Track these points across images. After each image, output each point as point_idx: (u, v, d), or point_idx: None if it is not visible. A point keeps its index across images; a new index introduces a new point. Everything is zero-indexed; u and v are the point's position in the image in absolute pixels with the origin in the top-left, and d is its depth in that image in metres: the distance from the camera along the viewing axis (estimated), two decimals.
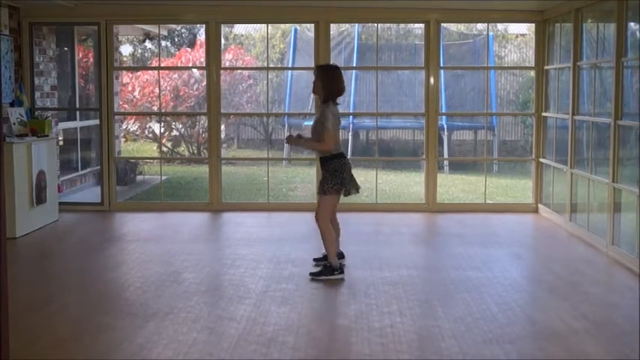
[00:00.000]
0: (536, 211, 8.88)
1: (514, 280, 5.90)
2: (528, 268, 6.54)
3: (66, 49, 10.45)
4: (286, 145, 16.05)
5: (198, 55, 15.74)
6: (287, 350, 4.23)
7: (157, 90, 14.25)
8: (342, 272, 5.79)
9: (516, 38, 19.07)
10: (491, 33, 15.64)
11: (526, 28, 18.22)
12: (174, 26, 18.28)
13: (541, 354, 4.26)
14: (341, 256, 6.11)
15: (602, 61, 7.11)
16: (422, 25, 9.16)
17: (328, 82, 5.81)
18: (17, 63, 8.42)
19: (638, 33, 6.46)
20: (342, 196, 5.93)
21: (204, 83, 14.82)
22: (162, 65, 14.15)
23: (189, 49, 16.90)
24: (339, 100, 5.94)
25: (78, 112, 10.59)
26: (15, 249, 6.84)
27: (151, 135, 16.46)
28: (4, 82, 7.89)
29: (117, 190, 9.27)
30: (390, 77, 16.72)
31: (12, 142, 7.18)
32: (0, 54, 7.86)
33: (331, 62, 6.01)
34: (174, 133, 16.01)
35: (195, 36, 18.98)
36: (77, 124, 10.51)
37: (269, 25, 11.08)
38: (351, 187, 5.87)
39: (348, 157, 15.20)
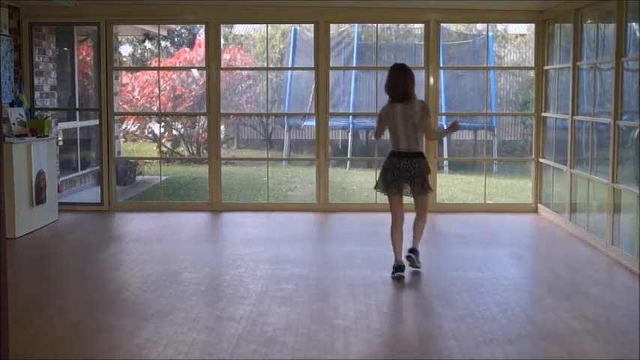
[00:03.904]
0: (535, 211, 8.88)
1: (514, 280, 5.89)
2: (528, 268, 6.54)
3: (66, 49, 10.44)
4: (286, 146, 16.07)
5: (196, 54, 15.75)
6: (287, 350, 4.22)
7: (156, 90, 14.25)
8: (397, 270, 5.77)
9: (516, 38, 19.07)
10: (490, 33, 15.63)
11: (526, 28, 18.21)
12: (173, 26, 18.28)
13: (541, 354, 4.26)
14: (399, 269, 5.85)
15: (601, 62, 7.10)
16: (422, 25, 9.16)
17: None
18: (17, 63, 8.42)
19: (637, 33, 6.46)
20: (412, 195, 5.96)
21: (202, 82, 14.87)
22: (161, 65, 14.13)
23: (187, 49, 16.90)
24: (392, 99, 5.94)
25: (78, 112, 10.59)
26: (15, 249, 6.84)
27: (150, 135, 16.47)
28: (4, 82, 7.88)
29: (117, 190, 9.26)
30: None
31: (12, 142, 7.18)
32: (0, 54, 7.86)
33: (399, 62, 6.09)
34: (174, 133, 16.01)
35: (194, 36, 18.99)
36: (77, 124, 10.51)
37: (269, 25, 11.09)
38: (387, 186, 5.87)
39: (348, 156, 15.25)
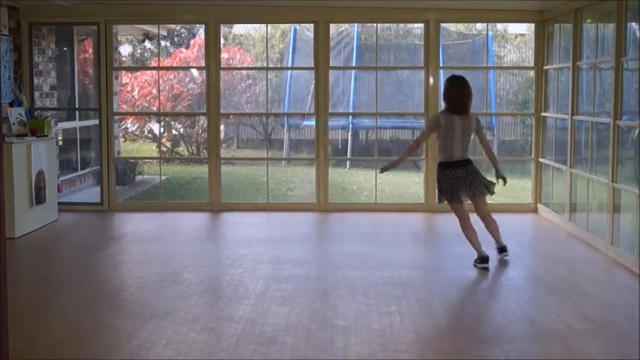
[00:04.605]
0: (535, 211, 8.88)
1: (514, 280, 5.89)
2: (528, 268, 6.53)
3: (65, 49, 10.44)
4: (285, 145, 16.08)
5: (191, 53, 15.74)
6: (286, 350, 4.22)
7: (155, 90, 14.24)
8: (483, 261, 6.08)
9: (515, 38, 19.07)
10: (490, 33, 15.63)
11: (525, 28, 18.22)
12: (173, 26, 18.28)
13: (541, 354, 4.26)
14: (484, 260, 6.13)
15: (601, 61, 7.10)
16: (421, 25, 9.16)
17: (444, 92, 6.34)
18: (16, 63, 8.41)
19: (637, 33, 6.46)
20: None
21: (200, 81, 14.87)
22: (160, 65, 14.12)
23: (183, 49, 16.90)
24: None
25: (77, 112, 10.59)
26: (14, 249, 6.84)
27: (150, 135, 16.46)
28: (4, 81, 7.88)
29: (116, 190, 9.26)
30: (389, 77, 16.72)
31: (11, 142, 7.18)
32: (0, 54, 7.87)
33: (459, 75, 6.52)
34: (174, 132, 16.01)
35: (194, 36, 18.99)
36: (77, 124, 10.51)
37: (268, 25, 11.08)
38: (453, 196, 6.20)
39: (348, 156, 15.21)
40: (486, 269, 6.04)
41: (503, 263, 6.27)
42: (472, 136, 6.36)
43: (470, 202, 6.35)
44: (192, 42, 16.75)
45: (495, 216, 8.94)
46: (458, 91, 6.24)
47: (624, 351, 4.28)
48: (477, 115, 6.42)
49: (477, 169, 6.31)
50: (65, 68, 10.39)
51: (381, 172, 6.57)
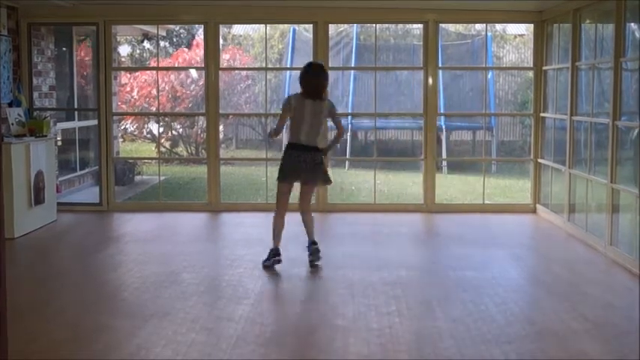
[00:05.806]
0: (534, 211, 8.88)
1: (513, 280, 5.90)
2: (527, 268, 6.54)
3: (64, 49, 10.44)
4: (284, 146, 16.04)
5: (194, 54, 15.74)
6: (285, 350, 4.22)
7: (155, 90, 14.24)
8: (276, 254, 6.17)
9: (515, 39, 19.08)
10: (489, 33, 15.64)
11: (524, 29, 18.23)
12: (172, 26, 18.28)
13: (540, 354, 4.26)
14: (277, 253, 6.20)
15: (600, 62, 7.11)
16: (420, 26, 9.17)
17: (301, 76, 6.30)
18: (15, 63, 8.40)
19: (636, 33, 6.47)
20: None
21: (202, 83, 14.86)
22: (160, 66, 14.12)
23: (186, 50, 16.90)
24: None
25: (76, 113, 10.59)
26: (13, 249, 6.83)
27: (149, 135, 16.45)
28: (3, 82, 7.88)
29: (115, 190, 9.26)
30: (388, 77, 16.72)
31: (10, 143, 7.18)
32: None
33: (318, 62, 6.78)
34: (173, 133, 16.00)
35: (193, 36, 18.99)
36: (76, 124, 10.50)
37: (267, 25, 11.08)
38: (289, 176, 6.21)
39: (347, 156, 15.20)
40: (279, 261, 6.12)
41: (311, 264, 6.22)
42: (325, 123, 6.42)
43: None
44: (194, 42, 16.73)
45: (494, 216, 8.97)
46: (314, 77, 6.22)
47: (624, 351, 4.28)
48: (331, 102, 6.42)
49: (321, 160, 6.24)
50: (64, 68, 10.39)
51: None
